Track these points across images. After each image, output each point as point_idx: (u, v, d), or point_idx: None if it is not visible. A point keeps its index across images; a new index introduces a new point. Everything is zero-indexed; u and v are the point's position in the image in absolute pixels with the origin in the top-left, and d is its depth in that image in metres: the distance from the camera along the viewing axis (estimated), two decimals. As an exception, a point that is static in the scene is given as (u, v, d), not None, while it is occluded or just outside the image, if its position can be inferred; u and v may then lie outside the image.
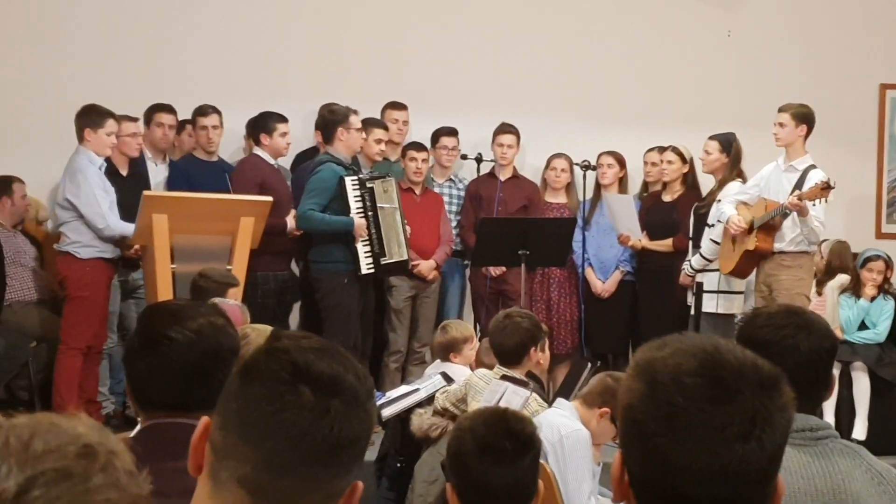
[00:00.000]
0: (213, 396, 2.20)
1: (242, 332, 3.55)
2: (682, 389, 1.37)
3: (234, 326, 2.31)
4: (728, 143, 7.09)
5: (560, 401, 4.49)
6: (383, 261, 6.71)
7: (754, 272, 6.83)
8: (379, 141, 7.09)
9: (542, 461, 3.18)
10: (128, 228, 6.41)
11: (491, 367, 4.92)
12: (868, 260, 7.17)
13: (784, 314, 2.35)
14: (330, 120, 6.82)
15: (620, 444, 1.47)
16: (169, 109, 7.28)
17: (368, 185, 6.71)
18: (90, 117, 6.49)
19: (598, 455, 4.36)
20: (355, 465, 1.43)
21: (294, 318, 7.56)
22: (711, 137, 7.15)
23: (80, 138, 6.52)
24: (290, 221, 6.86)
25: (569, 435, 4.15)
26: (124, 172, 6.87)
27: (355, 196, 6.67)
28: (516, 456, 2.33)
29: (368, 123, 7.09)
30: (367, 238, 6.67)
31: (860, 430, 6.73)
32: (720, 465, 1.36)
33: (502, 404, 4.28)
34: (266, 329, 3.88)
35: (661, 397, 1.38)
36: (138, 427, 2.32)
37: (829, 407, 6.58)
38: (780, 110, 6.65)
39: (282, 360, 1.39)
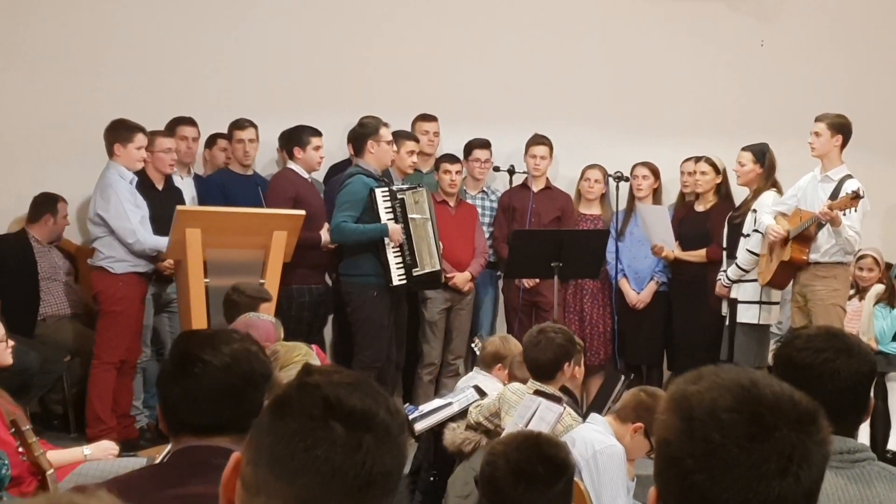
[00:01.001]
0: (244, 420, 2.22)
1: (272, 350, 3.56)
2: (720, 426, 1.36)
3: (265, 353, 2.32)
4: (762, 154, 7.05)
5: (594, 416, 4.46)
6: (415, 272, 6.69)
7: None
8: (411, 153, 7.09)
9: (575, 479, 3.16)
10: (161, 242, 6.44)
11: (524, 381, 4.90)
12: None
13: (823, 337, 2.32)
14: (360, 133, 6.84)
15: (656, 479, 1.46)
16: (191, 122, 7.29)
17: (399, 196, 6.71)
18: (119, 132, 6.53)
19: (631, 470, 4.33)
20: (387, 498, 1.42)
21: (328, 332, 7.58)
22: (745, 149, 7.10)
23: (110, 153, 6.56)
24: (325, 235, 6.87)
25: (603, 451, 4.12)
26: (160, 187, 6.90)
27: (386, 207, 6.67)
28: (550, 481, 2.31)
29: (400, 136, 7.10)
30: (398, 248, 6.66)
31: (895, 442, 6.65)
32: (758, 501, 1.34)
33: (535, 420, 4.27)
34: (295, 346, 3.90)
35: (698, 434, 1.36)
36: (169, 449, 2.33)
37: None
38: (817, 120, 6.60)
39: (313, 396, 1.38)
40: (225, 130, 7.46)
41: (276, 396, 1.43)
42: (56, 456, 4.77)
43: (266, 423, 1.41)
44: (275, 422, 1.40)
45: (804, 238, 6.52)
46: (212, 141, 7.58)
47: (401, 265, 6.67)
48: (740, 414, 1.36)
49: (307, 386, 1.40)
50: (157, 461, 3.96)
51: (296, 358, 3.65)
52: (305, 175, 7.11)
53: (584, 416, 5.10)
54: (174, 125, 7.19)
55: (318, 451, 1.35)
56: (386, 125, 6.85)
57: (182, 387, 2.21)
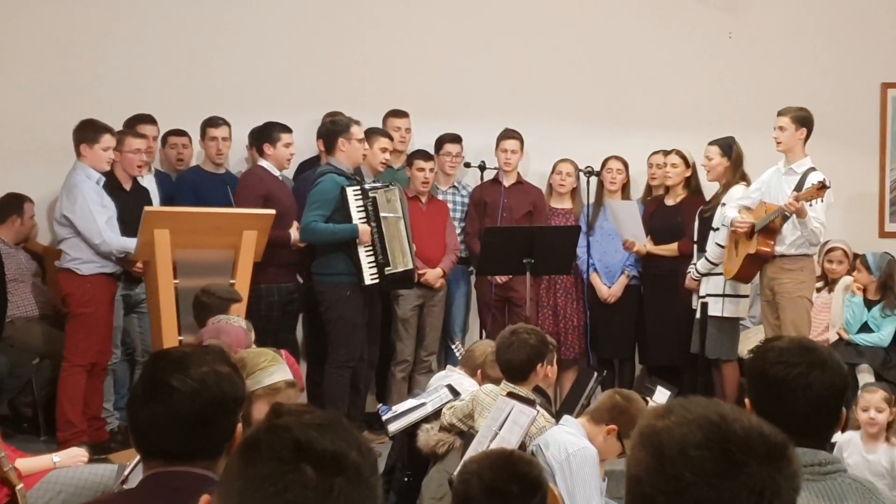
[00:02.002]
0: (215, 446, 2.21)
1: (239, 357, 3.53)
2: (690, 463, 1.36)
3: (240, 374, 2.30)
4: (728, 147, 7.08)
5: (567, 418, 4.47)
6: (388, 270, 6.67)
7: (758, 276, 6.83)
8: (384, 150, 7.05)
9: (550, 484, 3.17)
10: (128, 243, 6.38)
11: (497, 380, 4.91)
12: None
13: (797, 351, 2.32)
14: (331, 130, 6.80)
15: (628, 514, 1.46)
16: (151, 120, 7.21)
17: (371, 194, 6.68)
18: (86, 133, 6.47)
19: (603, 471, 4.35)
20: None
21: (299, 331, 7.56)
22: (711, 143, 7.13)
23: (78, 154, 6.50)
24: (294, 233, 6.84)
25: (576, 453, 4.14)
26: (128, 187, 6.83)
27: (358, 206, 6.64)
28: (523, 499, 2.31)
29: (373, 133, 7.06)
30: (370, 247, 6.64)
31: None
32: None
33: (509, 423, 4.28)
34: (261, 352, 3.85)
35: (669, 471, 1.36)
36: (140, 478, 2.31)
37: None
38: (780, 114, 6.62)
39: (283, 439, 1.37)
40: (197, 129, 7.41)
41: (246, 439, 1.41)
42: (25, 464, 4.74)
43: (236, 467, 1.40)
44: (245, 465, 1.38)
45: (769, 231, 6.55)
46: (164, 139, 7.50)
47: (373, 264, 6.65)
48: (710, 451, 1.36)
49: (277, 428, 1.39)
50: (128, 471, 3.95)
51: (262, 364, 3.61)
52: (276, 172, 7.07)
53: (558, 414, 5.13)
54: (134, 123, 7.09)
55: (289, 496, 1.34)
56: (357, 123, 6.82)
57: (150, 412, 2.19)
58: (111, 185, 6.63)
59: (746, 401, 2.39)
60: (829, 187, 6.23)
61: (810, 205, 6.32)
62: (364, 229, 6.58)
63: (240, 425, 2.24)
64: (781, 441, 1.42)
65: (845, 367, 2.48)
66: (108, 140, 6.48)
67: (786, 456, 1.41)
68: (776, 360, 2.33)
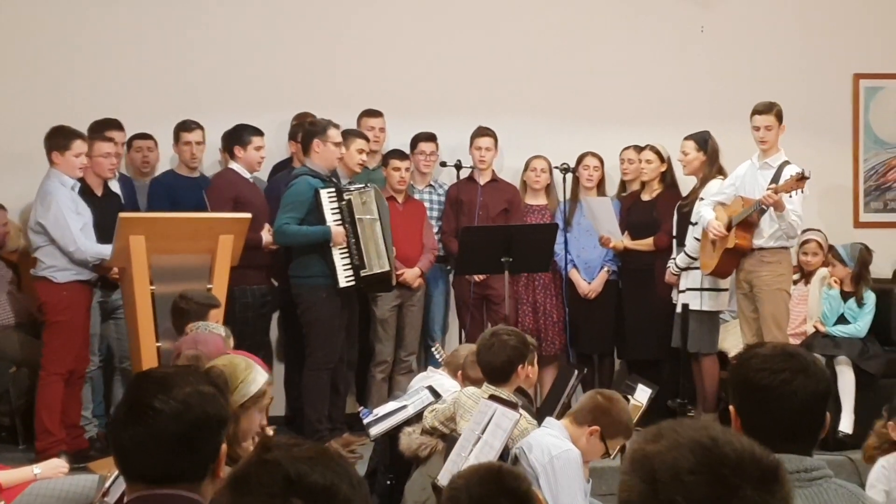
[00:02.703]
0: (199, 468, 2.19)
1: (216, 374, 3.49)
2: (683, 488, 1.35)
3: (224, 394, 2.27)
4: (704, 142, 7.10)
5: (549, 420, 4.47)
6: (363, 273, 6.64)
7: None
8: (360, 151, 7.01)
9: (534, 487, 3.17)
10: (103, 250, 6.33)
11: (477, 381, 4.90)
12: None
13: (780, 357, 2.32)
14: (308, 131, 6.78)
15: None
16: (118, 126, 7.13)
17: (346, 196, 6.66)
18: (57, 140, 6.41)
19: (587, 472, 4.35)
20: None
21: (274, 333, 7.53)
22: (687, 138, 7.15)
23: (50, 161, 6.44)
24: (266, 235, 6.81)
25: (559, 455, 4.14)
26: (99, 193, 6.78)
27: (332, 208, 6.61)
28: (511, 514, 2.31)
29: (349, 134, 7.02)
30: (345, 249, 6.61)
31: (847, 424, 6.74)
32: None
33: (491, 426, 4.28)
34: (234, 362, 3.80)
35: (662, 496, 1.36)
36: (121, 490, 2.29)
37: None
38: (761, 112, 6.60)
39: (273, 473, 1.35)
40: (165, 132, 7.35)
41: (235, 474, 1.39)
42: (6, 476, 4.70)
43: (226, 502, 1.38)
44: (234, 500, 1.37)
45: (747, 225, 6.57)
46: (129, 143, 7.43)
47: (348, 266, 6.62)
48: (703, 475, 1.36)
49: (266, 463, 1.37)
50: (108, 482, 3.91)
51: (241, 376, 3.56)
52: (247, 175, 7.05)
53: (539, 413, 5.14)
54: (100, 128, 6.99)
55: None
56: (336, 126, 6.78)
57: (133, 435, 2.16)
58: (82, 191, 6.57)
59: (731, 408, 2.40)
60: (808, 178, 6.25)
61: (790, 196, 6.34)
62: (337, 231, 6.55)
63: (224, 445, 2.22)
64: (773, 463, 1.42)
65: (828, 372, 2.48)
66: (79, 146, 6.43)
67: (778, 478, 1.40)
68: (760, 367, 2.33)
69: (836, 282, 7.10)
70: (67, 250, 6.35)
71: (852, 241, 7.45)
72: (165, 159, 7.62)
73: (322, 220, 6.57)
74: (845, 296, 7.07)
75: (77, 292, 6.47)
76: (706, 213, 6.72)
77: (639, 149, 7.65)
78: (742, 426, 2.33)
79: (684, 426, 1.44)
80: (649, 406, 5.77)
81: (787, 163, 6.59)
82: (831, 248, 7.34)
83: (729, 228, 6.60)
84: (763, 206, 6.41)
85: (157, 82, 7.68)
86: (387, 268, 6.75)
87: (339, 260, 6.59)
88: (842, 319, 7.05)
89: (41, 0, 7.61)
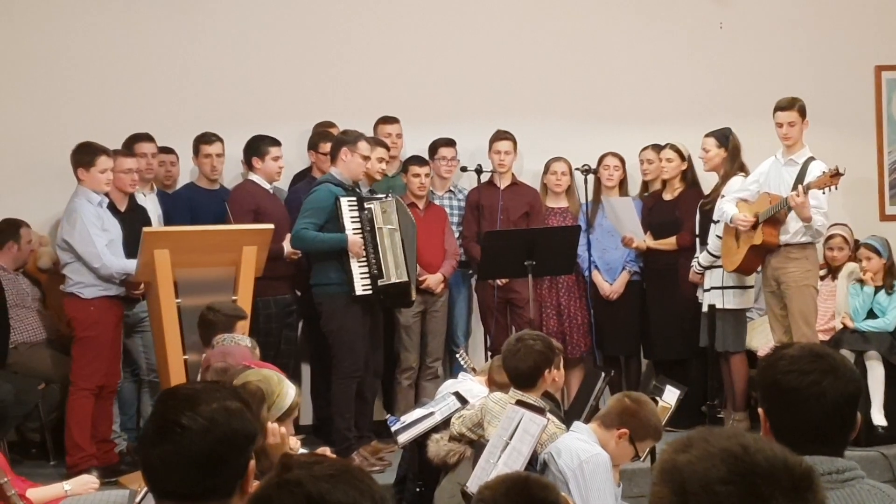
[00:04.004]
0: (227, 485, 2.18)
1: (253, 389, 3.51)
2: (715, 499, 1.33)
3: (251, 409, 2.26)
4: (724, 138, 7.06)
5: (577, 424, 4.46)
6: (381, 282, 6.62)
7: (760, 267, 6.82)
8: (381, 160, 7.00)
9: (563, 494, 3.15)
10: (129, 265, 6.36)
11: (504, 386, 4.89)
12: (859, 248, 7.18)
13: (808, 358, 2.29)
14: (339, 139, 6.78)
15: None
16: (148, 138, 7.18)
17: (367, 205, 6.65)
18: (82, 156, 6.45)
19: (617, 476, 4.33)
20: None
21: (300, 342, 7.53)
22: (708, 135, 7.12)
23: (77, 178, 6.48)
24: (287, 246, 6.82)
25: (588, 460, 4.12)
26: (122, 208, 6.80)
27: (352, 217, 6.60)
28: (541, 525, 2.29)
29: (369, 142, 7.02)
30: (363, 257, 6.60)
31: (879, 418, 6.69)
32: None
33: (519, 432, 4.26)
34: (267, 376, 3.81)
35: (693, 508, 1.34)
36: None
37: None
38: (784, 109, 6.56)
39: (295, 494, 1.35)
40: (189, 145, 7.39)
41: (257, 495, 1.39)
42: (37, 493, 4.72)
43: (249, 524, 1.38)
44: None
45: (774, 221, 6.54)
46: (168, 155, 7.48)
47: (366, 275, 6.59)
48: (735, 486, 1.34)
49: (288, 483, 1.37)
50: (139, 498, 3.92)
51: (277, 390, 3.61)
52: (266, 186, 7.07)
53: (566, 416, 5.12)
54: (131, 142, 7.08)
55: None
56: (367, 140, 6.77)
57: (161, 452, 2.16)
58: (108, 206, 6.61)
59: (760, 410, 2.37)
60: (843, 174, 6.18)
61: (823, 192, 6.29)
62: (353, 240, 6.53)
63: (252, 461, 2.21)
64: (806, 470, 1.40)
65: (858, 372, 2.45)
66: (104, 162, 6.46)
67: (812, 486, 1.38)
68: (788, 368, 2.30)
69: (871, 277, 7.02)
70: (92, 266, 6.38)
71: (878, 234, 7.39)
72: (186, 172, 7.64)
73: (341, 229, 6.57)
74: (874, 289, 7.02)
75: (105, 308, 6.50)
76: (728, 209, 6.69)
77: (658, 148, 7.62)
78: (771, 428, 2.31)
79: (714, 435, 1.43)
80: (678, 407, 5.74)
81: (812, 159, 6.54)
82: (862, 242, 7.24)
83: (755, 225, 6.56)
84: (790, 205, 6.37)
85: (177, 97, 7.71)
86: (405, 278, 6.70)
87: (357, 268, 6.57)
88: (870, 314, 6.99)
89: (67, 20, 7.63)
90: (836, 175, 6.16)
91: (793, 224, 6.52)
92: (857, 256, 7.18)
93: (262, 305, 6.77)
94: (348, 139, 6.69)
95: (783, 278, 6.60)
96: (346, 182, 6.68)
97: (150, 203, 7.12)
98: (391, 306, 7.05)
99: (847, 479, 2.27)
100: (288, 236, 6.81)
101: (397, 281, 6.66)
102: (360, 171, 6.72)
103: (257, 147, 7.06)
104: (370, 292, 6.58)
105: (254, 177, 7.06)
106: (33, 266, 7.35)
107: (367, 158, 6.72)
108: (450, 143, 7.69)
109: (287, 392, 3.66)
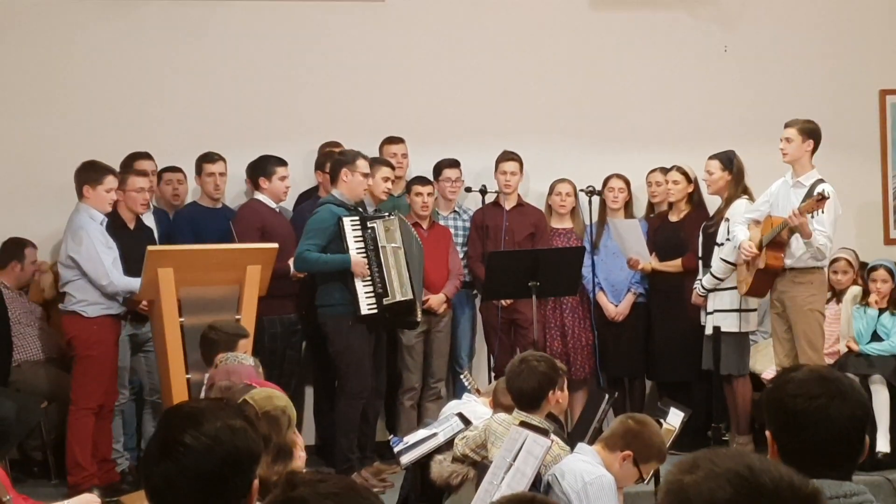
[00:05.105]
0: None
1: (280, 408, 3.52)
2: None
3: (255, 428, 2.26)
4: (729, 161, 7.06)
5: (581, 445, 4.43)
6: (386, 300, 6.61)
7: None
8: (386, 179, 7.01)
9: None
10: (133, 283, 6.36)
11: (508, 407, 4.87)
12: (872, 269, 7.15)
13: (816, 381, 2.28)
14: (338, 160, 6.79)
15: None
16: (147, 156, 7.19)
17: (370, 224, 6.66)
18: (88, 174, 6.46)
19: (621, 499, 4.31)
20: None
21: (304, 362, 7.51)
22: (711, 157, 7.12)
23: (80, 195, 6.49)
24: (293, 265, 6.82)
25: (592, 482, 4.10)
26: (131, 226, 6.81)
27: (355, 236, 6.60)
28: (546, 545, 2.28)
29: (375, 162, 7.01)
30: (368, 277, 6.60)
31: (883, 443, 6.66)
32: None
33: (523, 454, 4.24)
34: (274, 393, 3.81)
35: (700, 529, 1.33)
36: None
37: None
38: (787, 126, 6.62)
39: None
40: (191, 164, 7.40)
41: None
42: (37, 513, 4.70)
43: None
44: None
45: (777, 244, 6.53)
46: (159, 176, 7.46)
47: (371, 294, 6.59)
48: None
49: (293, 500, 1.36)
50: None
51: (290, 410, 3.62)
52: (273, 205, 7.08)
53: (570, 438, 5.09)
54: (131, 161, 7.07)
55: None
56: (365, 158, 6.78)
57: (163, 471, 2.15)
58: (115, 224, 6.62)
59: (767, 433, 2.36)
60: (828, 198, 6.21)
61: (812, 216, 6.30)
62: (357, 261, 6.53)
63: (256, 481, 2.20)
64: (813, 492, 1.39)
65: (865, 395, 2.44)
66: (111, 181, 6.48)
67: (817, 507, 1.38)
68: (795, 392, 2.29)
69: (875, 300, 6.99)
70: (100, 283, 6.39)
71: (883, 258, 7.38)
72: (192, 191, 7.65)
73: (345, 249, 6.56)
74: (878, 312, 7.00)
75: (107, 326, 6.51)
76: (740, 234, 6.69)
77: (665, 170, 7.62)
78: (779, 452, 2.30)
79: (720, 455, 1.42)
80: (682, 429, 5.71)
81: (820, 181, 6.54)
82: (878, 264, 7.19)
83: (760, 248, 6.55)
84: (790, 226, 6.37)
85: (183, 116, 7.72)
86: (410, 296, 6.70)
87: (362, 288, 6.57)
88: (874, 337, 6.97)
89: (69, 39, 7.66)
90: (821, 199, 6.19)
91: (797, 247, 6.51)
92: (872, 278, 7.13)
93: (268, 324, 6.77)
94: (346, 159, 6.70)
95: (788, 302, 6.59)
96: (348, 202, 6.68)
97: (148, 221, 7.11)
98: (396, 326, 7.04)
99: (855, 503, 2.26)
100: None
101: (402, 299, 6.65)
102: (361, 189, 6.72)
103: (264, 167, 7.07)
104: (375, 311, 6.57)
105: (260, 196, 7.07)
106: (38, 295, 7.33)
107: (367, 176, 6.73)
108: (454, 163, 7.70)
109: (291, 407, 3.69)
